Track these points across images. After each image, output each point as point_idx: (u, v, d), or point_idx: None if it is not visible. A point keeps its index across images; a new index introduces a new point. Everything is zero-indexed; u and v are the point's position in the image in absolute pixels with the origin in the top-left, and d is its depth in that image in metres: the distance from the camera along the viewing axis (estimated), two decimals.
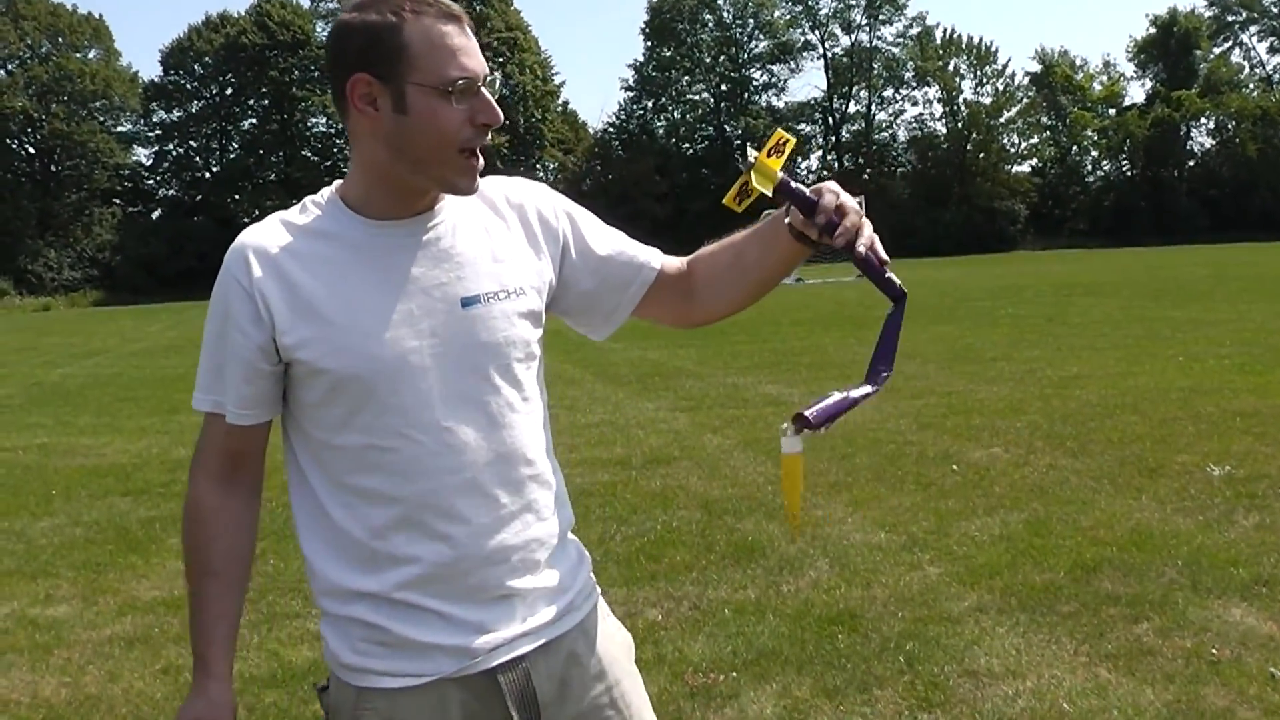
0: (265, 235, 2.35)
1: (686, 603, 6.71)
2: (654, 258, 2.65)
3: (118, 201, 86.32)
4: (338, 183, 2.42)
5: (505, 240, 2.47)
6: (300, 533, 2.44)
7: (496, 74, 2.37)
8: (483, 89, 2.29)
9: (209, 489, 2.43)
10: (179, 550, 8.11)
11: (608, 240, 2.62)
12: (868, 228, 2.33)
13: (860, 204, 2.36)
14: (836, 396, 2.26)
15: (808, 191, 2.30)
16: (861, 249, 2.30)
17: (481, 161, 2.35)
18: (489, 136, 2.35)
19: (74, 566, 8.19)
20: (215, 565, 2.41)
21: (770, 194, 2.21)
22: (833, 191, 2.32)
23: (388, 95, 2.27)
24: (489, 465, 2.36)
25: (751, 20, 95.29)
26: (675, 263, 2.67)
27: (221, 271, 2.34)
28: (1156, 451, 9.87)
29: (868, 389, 2.30)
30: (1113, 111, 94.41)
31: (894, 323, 2.34)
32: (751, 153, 2.15)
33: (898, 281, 2.34)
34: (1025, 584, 6.66)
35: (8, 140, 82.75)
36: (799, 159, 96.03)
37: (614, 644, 2.61)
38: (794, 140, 2.10)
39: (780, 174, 2.19)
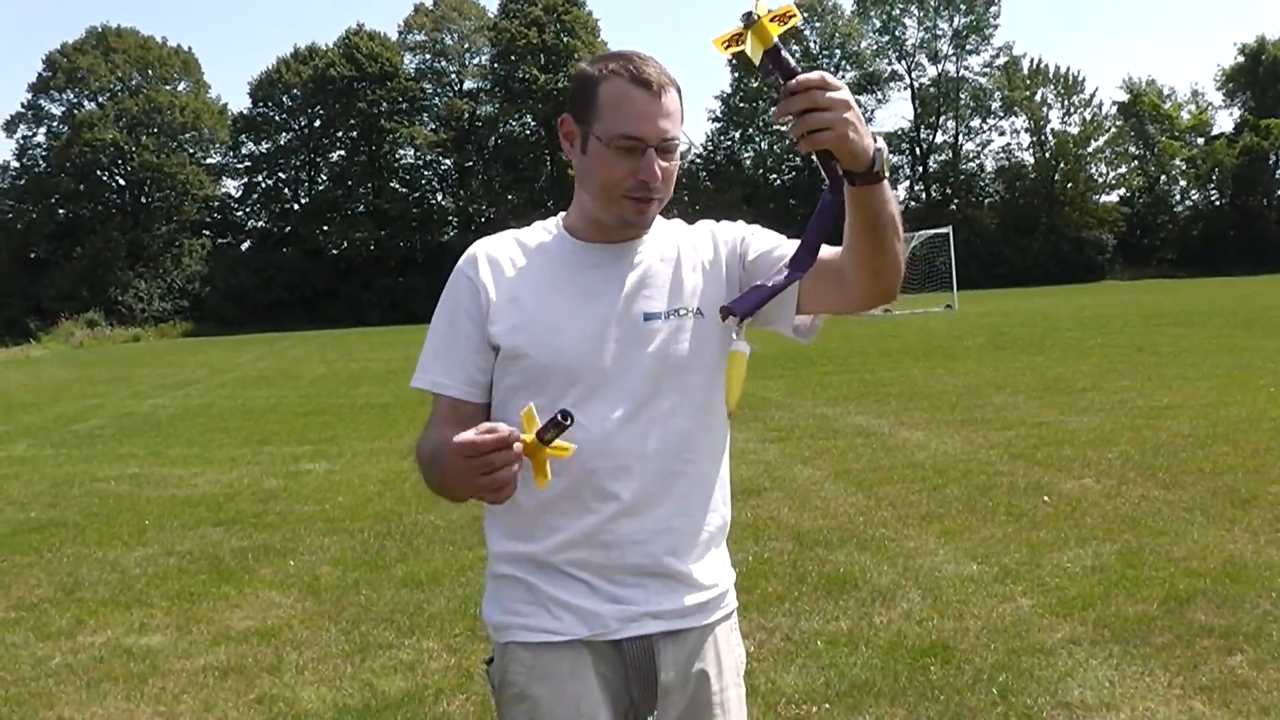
0: (494, 244, 2.79)
1: (779, 634, 6.70)
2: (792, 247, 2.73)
3: (207, 233, 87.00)
4: (565, 211, 2.85)
5: (692, 266, 2.76)
6: (486, 509, 2.74)
7: (681, 139, 2.63)
8: (651, 151, 2.56)
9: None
10: (271, 580, 8.30)
11: (766, 241, 2.78)
12: (838, 114, 2.14)
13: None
14: (760, 286, 2.48)
15: (794, 62, 2.13)
16: (819, 143, 2.16)
17: (656, 207, 2.66)
18: (660, 188, 2.62)
19: (168, 596, 8.27)
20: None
21: (759, 57, 2.08)
22: (821, 76, 2.14)
23: (579, 136, 2.66)
24: (644, 458, 2.65)
25: (838, 50, 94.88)
26: (826, 251, 2.62)
27: (455, 270, 2.77)
28: (1249, 482, 9.77)
29: (787, 275, 2.49)
30: (1201, 140, 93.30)
31: (826, 210, 2.40)
32: (763, 5, 2.05)
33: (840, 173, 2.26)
34: (1118, 615, 6.61)
35: (99, 172, 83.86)
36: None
37: (734, 655, 2.84)
38: (799, 16, 2.05)
39: (775, 40, 2.09)
